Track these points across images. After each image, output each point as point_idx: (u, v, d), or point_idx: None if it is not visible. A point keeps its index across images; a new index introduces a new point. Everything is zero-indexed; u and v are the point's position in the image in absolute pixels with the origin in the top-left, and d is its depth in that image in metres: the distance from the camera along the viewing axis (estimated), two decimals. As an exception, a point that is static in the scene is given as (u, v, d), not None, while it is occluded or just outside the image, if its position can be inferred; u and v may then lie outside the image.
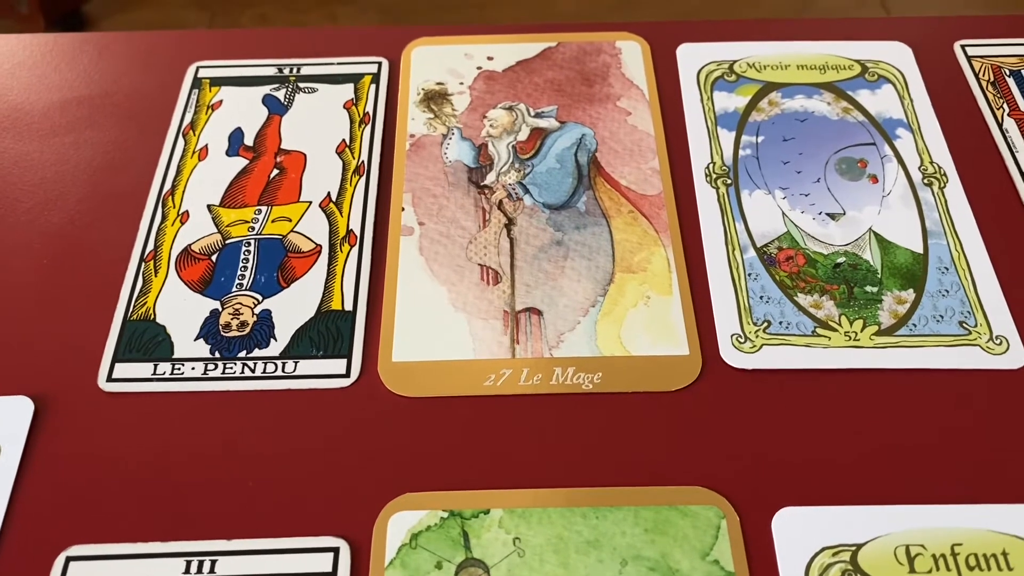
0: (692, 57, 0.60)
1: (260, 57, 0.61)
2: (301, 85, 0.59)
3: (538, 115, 0.57)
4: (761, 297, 0.48)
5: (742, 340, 0.46)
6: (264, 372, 0.45)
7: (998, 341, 0.46)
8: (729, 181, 0.53)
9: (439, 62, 0.60)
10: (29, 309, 0.48)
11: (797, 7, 1.53)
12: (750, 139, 0.56)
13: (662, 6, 1.51)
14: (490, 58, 0.60)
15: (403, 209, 0.52)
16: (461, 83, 0.59)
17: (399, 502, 0.41)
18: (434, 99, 0.58)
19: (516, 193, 0.53)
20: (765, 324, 0.47)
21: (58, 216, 0.52)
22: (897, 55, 0.60)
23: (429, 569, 0.39)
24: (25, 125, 0.57)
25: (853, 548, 0.40)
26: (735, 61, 0.60)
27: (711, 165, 0.54)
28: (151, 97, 0.59)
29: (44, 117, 0.58)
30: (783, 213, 0.52)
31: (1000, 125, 0.56)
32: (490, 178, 0.54)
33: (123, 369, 0.46)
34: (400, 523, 0.40)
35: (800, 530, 0.40)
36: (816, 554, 0.39)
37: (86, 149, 0.56)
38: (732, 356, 0.46)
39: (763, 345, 0.46)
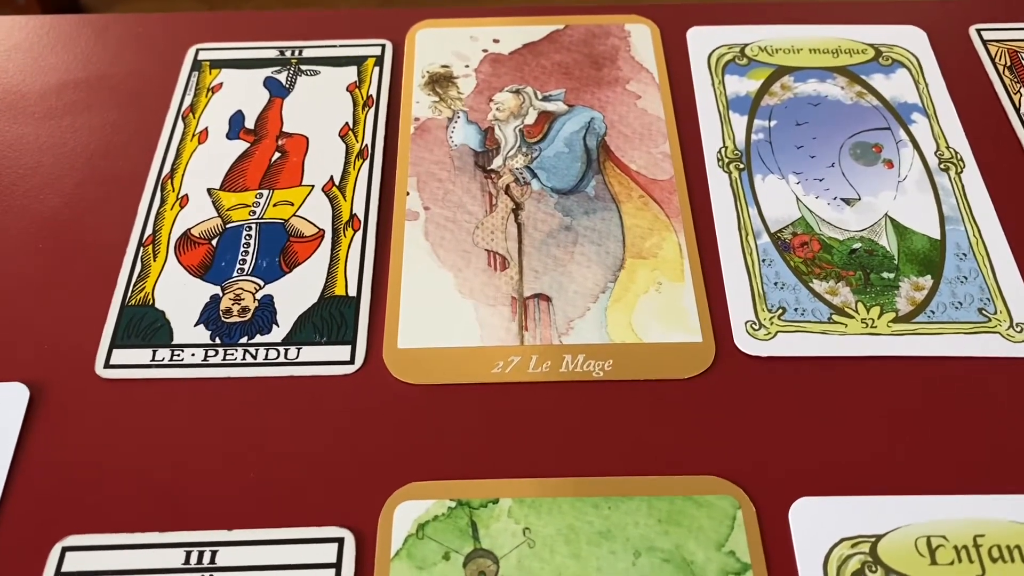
0: (703, 40, 0.59)
1: (261, 39, 0.59)
2: (303, 68, 0.57)
3: (546, 98, 0.56)
4: (776, 283, 0.47)
5: (756, 327, 0.45)
6: (266, 359, 0.44)
7: (1018, 328, 0.45)
8: (742, 166, 0.52)
9: (444, 45, 0.59)
10: (25, 294, 0.47)
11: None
12: (763, 123, 0.54)
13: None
14: (496, 40, 0.59)
15: (408, 193, 0.51)
16: (467, 66, 0.58)
17: (405, 491, 0.40)
18: (439, 82, 0.57)
19: (523, 177, 0.52)
20: (780, 311, 0.46)
21: (55, 200, 0.51)
22: (911, 39, 0.59)
23: (436, 560, 0.38)
24: (21, 108, 0.56)
25: (873, 539, 0.38)
26: (746, 44, 0.58)
27: (723, 149, 0.53)
28: (150, 80, 0.57)
29: (41, 100, 0.57)
30: (797, 198, 0.51)
31: (1017, 110, 0.55)
32: (497, 162, 0.52)
33: (121, 355, 0.44)
34: (406, 513, 0.39)
35: (818, 521, 0.39)
36: (835, 545, 0.38)
37: (83, 132, 0.55)
38: (746, 343, 0.45)
39: (778, 332, 0.45)
